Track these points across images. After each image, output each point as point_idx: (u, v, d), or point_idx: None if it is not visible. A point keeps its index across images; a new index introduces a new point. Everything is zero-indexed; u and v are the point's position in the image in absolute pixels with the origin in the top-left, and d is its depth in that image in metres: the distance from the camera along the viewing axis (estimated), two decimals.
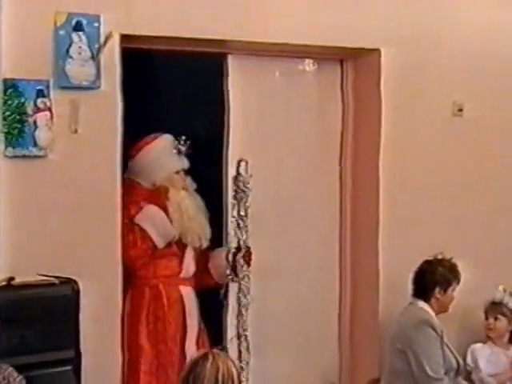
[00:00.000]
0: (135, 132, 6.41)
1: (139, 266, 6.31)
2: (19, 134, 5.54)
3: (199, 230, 6.48)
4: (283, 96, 7.19)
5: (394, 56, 7.15)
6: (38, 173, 5.67)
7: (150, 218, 6.31)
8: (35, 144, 5.61)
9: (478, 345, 7.42)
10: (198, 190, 7.07)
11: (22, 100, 5.53)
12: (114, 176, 5.99)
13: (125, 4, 5.85)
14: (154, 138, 6.56)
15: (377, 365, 6.91)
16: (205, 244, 6.62)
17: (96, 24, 5.74)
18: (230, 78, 6.89)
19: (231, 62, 6.86)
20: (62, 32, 5.64)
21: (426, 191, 7.30)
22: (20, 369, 4.59)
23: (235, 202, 6.95)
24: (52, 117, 5.65)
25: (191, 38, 6.23)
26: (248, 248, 6.90)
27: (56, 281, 5.36)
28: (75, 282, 5.37)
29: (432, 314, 6.73)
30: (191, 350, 6.31)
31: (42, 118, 5.61)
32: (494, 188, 7.67)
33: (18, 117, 5.53)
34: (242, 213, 6.93)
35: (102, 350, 5.76)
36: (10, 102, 5.50)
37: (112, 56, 5.86)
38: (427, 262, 6.80)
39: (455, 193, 7.42)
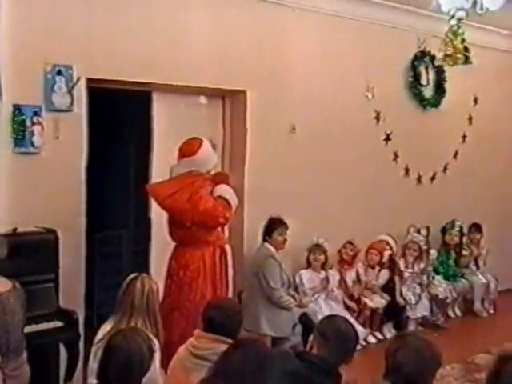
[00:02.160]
0: (96, 139, 6.32)
1: (219, 229, 6.00)
2: (22, 138, 5.62)
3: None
4: (187, 120, 7.02)
5: (255, 95, 7.19)
6: (34, 163, 5.73)
7: (229, 192, 5.93)
8: (32, 145, 5.69)
9: (303, 270, 7.53)
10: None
11: (24, 117, 5.61)
12: (80, 163, 5.99)
13: (89, 58, 5.90)
14: (200, 139, 6.02)
15: (242, 282, 6.88)
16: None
17: (70, 71, 5.81)
18: (154, 107, 6.82)
19: (155, 96, 6.80)
20: (49, 76, 5.71)
21: (275, 183, 7.30)
22: (22, 284, 4.50)
23: None
24: (43, 128, 5.72)
25: (130, 80, 6.27)
26: None
27: (44, 230, 5.46)
28: (55, 232, 5.43)
29: (274, 250, 6.89)
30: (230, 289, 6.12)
31: (36, 129, 5.69)
32: (318, 179, 7.74)
33: (21, 128, 5.59)
34: None
35: (71, 274, 5.74)
36: (16, 119, 5.57)
37: (80, 91, 5.92)
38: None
39: (294, 184, 7.44)
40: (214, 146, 6.29)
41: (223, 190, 5.92)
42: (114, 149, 8.06)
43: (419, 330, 8.02)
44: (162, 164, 6.72)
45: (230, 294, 6.06)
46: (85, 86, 5.97)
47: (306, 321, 6.92)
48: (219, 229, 6.03)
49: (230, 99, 7.42)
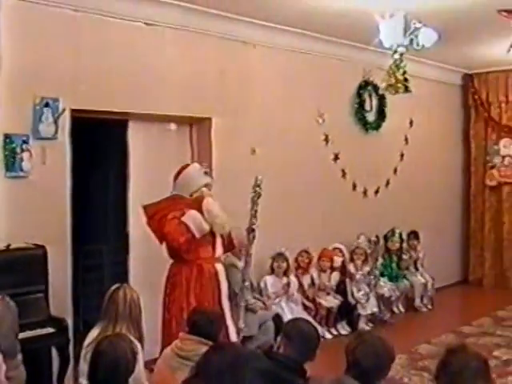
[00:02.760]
0: (80, 163, 6.25)
1: (185, 250, 5.66)
2: (13, 164, 5.51)
3: (223, 223, 5.86)
4: (158, 145, 6.98)
5: (219, 121, 7.16)
6: (23, 186, 5.62)
7: (192, 218, 5.65)
8: (22, 170, 5.57)
9: (267, 276, 7.53)
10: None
11: (14, 145, 5.50)
12: (65, 185, 5.91)
13: (72, 92, 5.84)
14: (187, 164, 6.10)
15: None
16: (227, 232, 6.04)
17: (56, 103, 5.73)
18: (129, 134, 6.76)
19: (130, 124, 6.74)
20: (37, 107, 5.61)
21: (239, 200, 6.83)
22: (16, 295, 4.54)
23: None
24: (31, 155, 5.61)
25: (108, 110, 6.21)
26: None
27: (34, 246, 5.39)
28: (44, 247, 5.36)
29: (236, 259, 6.83)
30: (226, 304, 5.88)
31: (25, 155, 5.57)
32: (278, 196, 7.52)
33: (12, 154, 5.48)
34: None
35: (59, 285, 5.66)
36: (7, 147, 5.46)
37: (64, 121, 5.84)
38: None
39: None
40: (206, 173, 6.11)
41: (188, 215, 5.68)
42: (95, 172, 8.00)
43: (372, 327, 8.09)
44: (139, 184, 6.76)
45: (226, 312, 5.86)
46: (69, 117, 5.89)
47: (277, 321, 6.90)
48: (201, 249, 5.81)
49: (197, 125, 7.34)
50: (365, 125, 9.12)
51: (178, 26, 6.68)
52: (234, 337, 5.75)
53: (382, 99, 9.25)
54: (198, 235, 5.69)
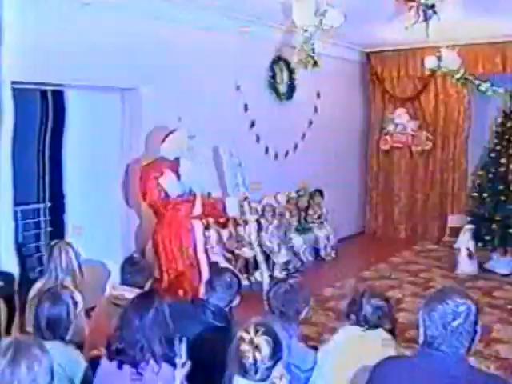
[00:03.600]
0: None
1: (160, 207, 5.74)
2: None
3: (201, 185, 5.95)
4: (92, 113, 6.75)
5: (148, 91, 6.94)
6: None
7: (167, 179, 5.71)
8: None
9: None
10: None
11: None
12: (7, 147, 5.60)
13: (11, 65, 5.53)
14: (172, 130, 6.04)
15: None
16: (205, 193, 6.22)
17: None
18: (67, 103, 6.61)
19: (67, 94, 6.60)
20: None
21: None
22: None
23: None
24: None
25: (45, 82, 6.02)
26: None
27: None
28: None
29: None
30: (203, 258, 5.99)
31: None
32: None
33: None
34: None
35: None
36: None
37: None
38: None
39: None
40: (190, 137, 6.09)
41: (164, 177, 5.74)
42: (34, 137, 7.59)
43: (286, 274, 8.08)
44: (73, 147, 6.69)
45: (203, 265, 5.95)
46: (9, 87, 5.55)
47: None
48: (180, 207, 5.82)
49: (128, 95, 7.09)
50: (278, 95, 9.12)
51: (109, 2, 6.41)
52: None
53: (292, 73, 9.23)
54: (171, 195, 5.73)
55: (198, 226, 6.01)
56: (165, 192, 5.73)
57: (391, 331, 3.08)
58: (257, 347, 2.35)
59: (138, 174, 6.05)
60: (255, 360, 2.34)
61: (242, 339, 2.39)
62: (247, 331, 2.40)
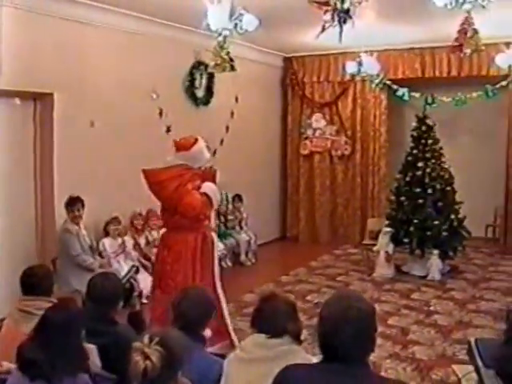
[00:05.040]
0: None
1: (198, 219, 5.38)
2: None
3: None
4: (3, 118, 6.61)
5: (61, 97, 6.85)
6: None
7: (213, 190, 5.43)
8: None
9: (104, 238, 7.32)
10: None
11: None
12: None
13: None
14: (195, 137, 5.51)
15: (56, 251, 6.78)
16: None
17: None
18: None
19: None
20: None
21: (79, 169, 7.05)
22: None
23: None
24: None
25: None
26: None
27: None
28: None
29: (72, 224, 6.66)
30: (217, 269, 5.58)
31: None
32: (114, 165, 7.57)
33: None
34: None
35: None
36: None
37: None
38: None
39: (94, 168, 7.28)
40: (208, 147, 5.82)
41: (208, 188, 5.43)
42: None
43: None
44: None
45: (216, 275, 5.61)
46: None
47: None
48: (206, 218, 5.56)
49: (41, 101, 6.98)
50: (195, 100, 9.12)
51: (20, 6, 6.31)
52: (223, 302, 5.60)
53: (210, 77, 9.25)
54: (215, 206, 5.61)
55: (216, 238, 5.83)
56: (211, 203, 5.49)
57: (297, 337, 3.08)
58: (148, 358, 2.31)
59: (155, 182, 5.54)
60: (146, 371, 2.31)
61: (135, 349, 2.35)
62: (142, 341, 2.36)
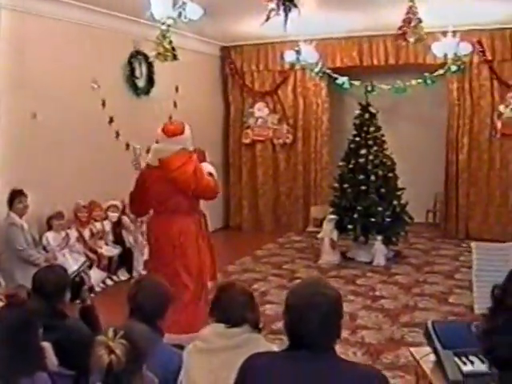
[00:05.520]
0: None
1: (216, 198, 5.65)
2: None
3: None
4: None
5: (2, 88, 6.71)
6: None
7: (213, 169, 5.59)
8: None
9: (48, 232, 7.13)
10: None
11: None
12: None
13: None
14: (179, 121, 5.76)
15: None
16: None
17: None
18: None
19: None
20: None
21: (22, 162, 6.86)
22: None
23: None
24: None
25: None
26: None
27: None
28: None
29: (16, 217, 6.55)
30: None
31: None
32: (57, 157, 7.38)
33: None
34: None
35: None
36: None
37: None
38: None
39: (37, 161, 7.09)
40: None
41: (210, 168, 5.56)
42: None
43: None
44: None
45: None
46: None
47: None
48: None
49: None
50: (136, 90, 9.02)
51: None
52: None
53: (150, 67, 9.15)
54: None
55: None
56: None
57: (256, 325, 3.10)
58: (112, 352, 2.28)
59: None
60: (111, 365, 2.27)
61: (98, 343, 2.32)
62: (106, 335, 2.33)
